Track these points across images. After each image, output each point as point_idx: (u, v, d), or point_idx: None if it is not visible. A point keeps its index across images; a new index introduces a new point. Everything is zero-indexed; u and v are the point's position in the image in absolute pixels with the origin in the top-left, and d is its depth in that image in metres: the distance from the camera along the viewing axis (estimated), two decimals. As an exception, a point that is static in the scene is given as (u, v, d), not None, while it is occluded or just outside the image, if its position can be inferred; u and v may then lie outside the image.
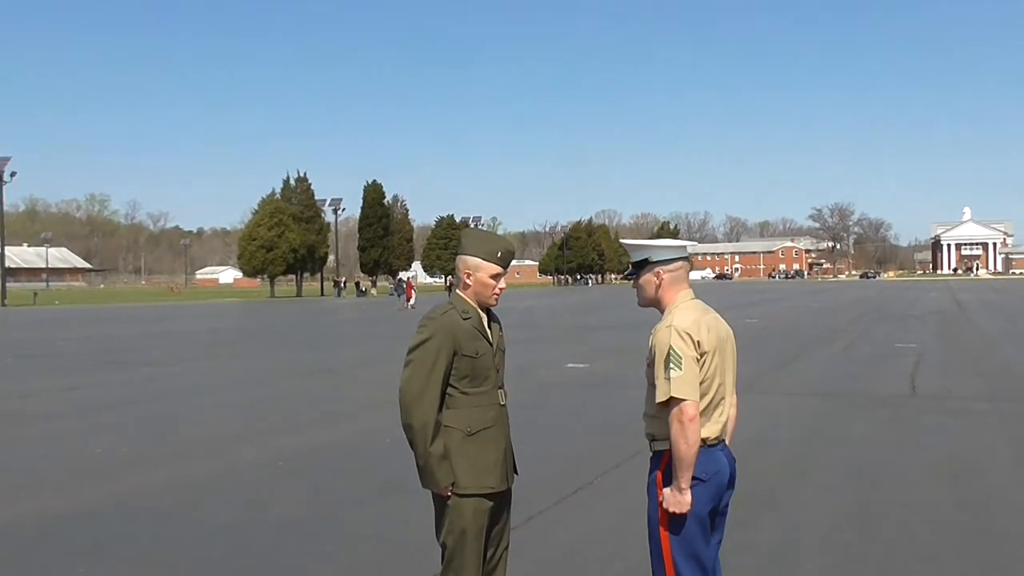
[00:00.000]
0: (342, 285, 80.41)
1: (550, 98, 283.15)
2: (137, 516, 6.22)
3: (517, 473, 3.62)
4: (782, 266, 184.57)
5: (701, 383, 3.08)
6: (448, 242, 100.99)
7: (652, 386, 3.15)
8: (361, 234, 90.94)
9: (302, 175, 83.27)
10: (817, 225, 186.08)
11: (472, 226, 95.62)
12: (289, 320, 36.99)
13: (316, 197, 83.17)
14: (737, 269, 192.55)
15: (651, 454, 3.25)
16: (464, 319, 3.38)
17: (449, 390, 3.35)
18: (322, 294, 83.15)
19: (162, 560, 5.27)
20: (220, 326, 32.81)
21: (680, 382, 3.01)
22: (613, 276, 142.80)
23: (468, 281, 3.43)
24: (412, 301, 45.35)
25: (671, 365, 3.03)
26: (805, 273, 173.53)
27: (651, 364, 3.15)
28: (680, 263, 3.27)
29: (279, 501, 6.59)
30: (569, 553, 5.25)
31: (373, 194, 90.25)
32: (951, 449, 8.21)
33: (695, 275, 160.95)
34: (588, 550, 5.29)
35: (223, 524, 5.98)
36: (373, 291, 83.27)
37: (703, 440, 3.09)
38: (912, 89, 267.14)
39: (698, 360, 3.07)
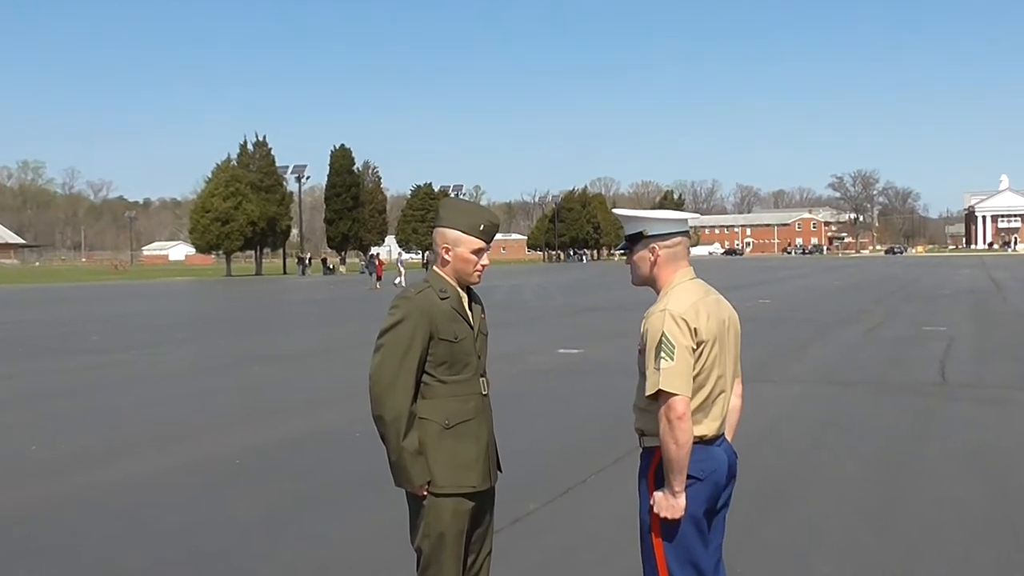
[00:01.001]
0: (307, 262, 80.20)
1: (540, 54, 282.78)
2: (78, 518, 6.22)
3: (501, 470, 3.65)
4: (798, 240, 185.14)
5: (697, 375, 3.08)
6: (425, 214, 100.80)
7: (642, 376, 3.14)
8: (328, 205, 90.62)
9: (261, 139, 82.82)
10: (838, 195, 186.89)
11: (452, 196, 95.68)
12: (247, 301, 36.92)
13: (277, 164, 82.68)
14: (748, 244, 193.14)
15: (640, 451, 3.25)
16: (442, 299, 3.39)
17: (425, 378, 3.36)
18: (284, 272, 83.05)
19: (108, 566, 5.28)
20: (170, 308, 32.72)
21: (671, 374, 3.00)
22: (611, 251, 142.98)
23: (447, 257, 3.44)
24: (398, 279, 45.25)
25: (662, 354, 3.01)
26: (824, 248, 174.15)
27: (642, 351, 3.14)
28: (679, 238, 3.26)
29: (236, 502, 6.60)
30: (559, 559, 5.28)
31: (341, 160, 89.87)
32: (983, 441, 8.30)
33: (701, 250, 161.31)
34: (580, 556, 5.32)
35: (174, 529, 5.99)
36: (341, 268, 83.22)
37: (698, 438, 3.09)
38: (942, 44, 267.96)
39: (694, 350, 3.06)
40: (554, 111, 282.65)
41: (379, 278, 46.76)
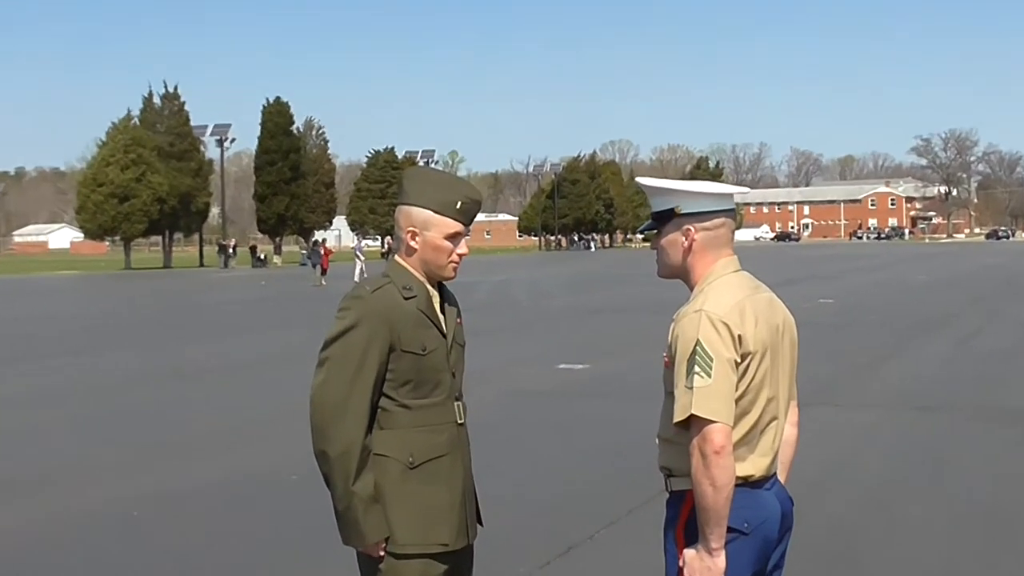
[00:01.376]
0: (231, 251, 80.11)
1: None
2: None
3: (481, 524, 3.66)
4: (872, 221, 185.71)
5: (741, 397, 3.07)
6: (386, 188, 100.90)
7: (670, 396, 3.15)
8: (259, 177, 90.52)
9: (171, 90, 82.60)
10: (924, 162, 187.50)
11: (421, 165, 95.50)
12: (151, 302, 36.87)
13: (192, 123, 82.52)
14: (806, 226, 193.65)
15: (667, 495, 3.25)
16: (406, 298, 3.41)
17: (383, 402, 3.38)
18: (201, 264, 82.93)
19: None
20: (53, 311, 32.62)
21: (707, 395, 3.00)
22: (627, 235, 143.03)
23: (413, 243, 3.46)
24: (358, 271, 45.07)
25: (696, 369, 3.02)
26: (906, 231, 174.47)
27: (670, 364, 3.16)
28: (722, 218, 3.27)
29: (131, 568, 6.55)
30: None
31: (276, 118, 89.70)
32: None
33: (745, 234, 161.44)
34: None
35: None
36: (276, 259, 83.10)
37: (742, 479, 3.09)
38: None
39: (738, 364, 3.06)
40: (553, 54, 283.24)
41: (325, 271, 46.74)
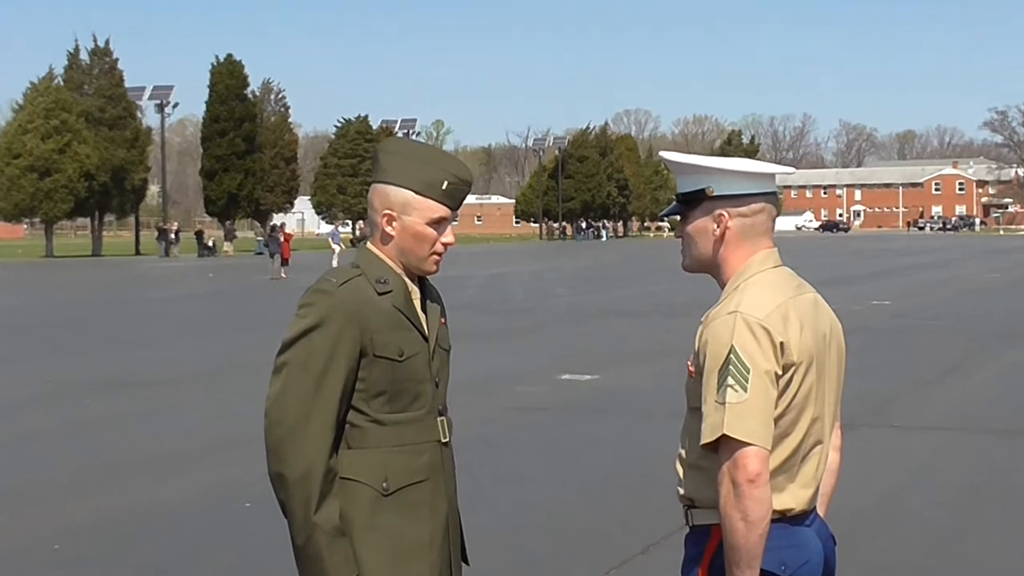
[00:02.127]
0: (173, 237, 79.86)
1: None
2: None
3: (467, 562, 3.67)
4: (936, 209, 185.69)
5: (781, 417, 3.07)
6: (359, 163, 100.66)
7: (694, 411, 3.15)
8: (207, 149, 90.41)
9: (102, 44, 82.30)
10: (999, 139, 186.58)
11: (400, 137, 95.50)
12: (78, 296, 36.77)
13: (128, 85, 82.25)
14: (858, 214, 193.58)
15: (688, 530, 3.26)
16: (380, 293, 3.42)
17: (352, 417, 3.39)
18: (138, 252, 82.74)
19: None
20: (-44, 307, 32.49)
21: (742, 412, 2.99)
22: (645, 222, 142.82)
23: (389, 229, 3.47)
24: (334, 260, 44.94)
25: (730, 382, 3.02)
26: (977, 221, 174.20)
27: (697, 374, 3.16)
28: (761, 203, 3.28)
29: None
30: None
31: (227, 79, 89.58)
32: None
33: (784, 222, 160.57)
34: None
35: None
36: (227, 247, 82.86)
37: (780, 513, 3.09)
38: None
39: (778, 376, 3.06)
40: (557, 7, 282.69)
41: (285, 261, 46.59)
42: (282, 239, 47.96)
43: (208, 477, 9.98)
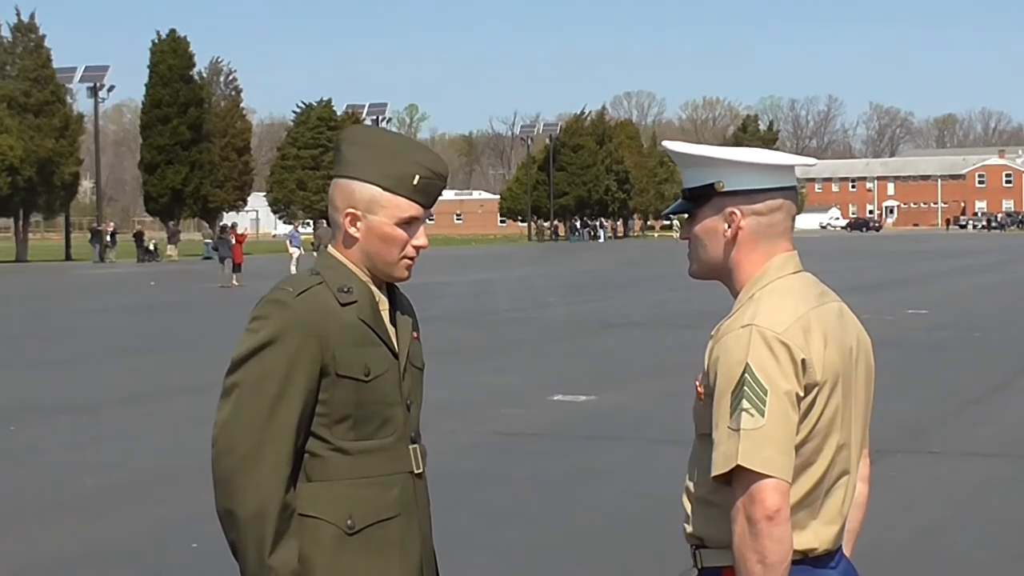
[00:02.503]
0: (109, 239, 79.71)
1: None
2: None
3: (444, 611, 3.66)
4: (980, 204, 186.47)
5: (803, 444, 3.06)
6: (321, 154, 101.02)
7: (704, 438, 3.13)
8: (147, 139, 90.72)
9: (26, 19, 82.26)
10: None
11: (367, 124, 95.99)
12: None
13: (56, 65, 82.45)
14: (890, 209, 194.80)
15: (696, 572, 3.24)
16: (343, 304, 3.41)
17: (312, 445, 3.38)
18: (69, 256, 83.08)
19: None
20: None
21: (758, 440, 2.97)
22: (647, 221, 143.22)
23: (354, 231, 3.46)
24: (293, 266, 45.01)
25: (745, 404, 2.99)
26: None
27: (707, 396, 3.14)
28: (778, 199, 3.26)
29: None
30: None
31: (170, 59, 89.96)
32: None
33: (807, 220, 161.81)
34: None
35: None
36: (170, 251, 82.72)
37: (801, 554, 3.08)
38: None
39: (800, 398, 3.04)
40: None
41: (237, 266, 46.48)
42: (233, 241, 47.80)
43: (146, 515, 9.89)
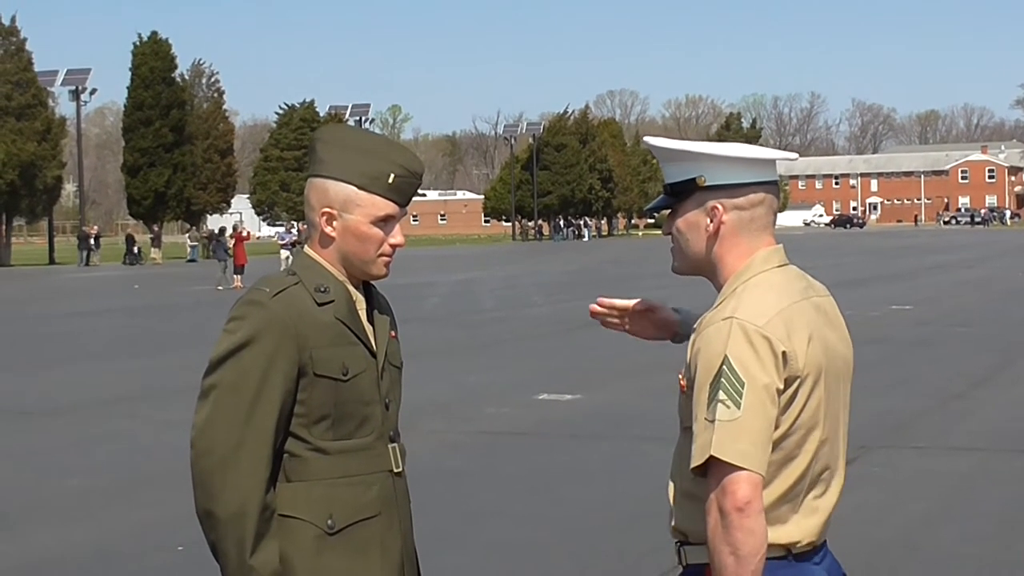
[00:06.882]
0: (93, 243, 79.48)
1: None
2: None
3: (427, 611, 3.69)
4: (963, 200, 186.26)
5: (785, 438, 3.08)
6: (304, 155, 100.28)
7: (687, 432, 3.14)
8: (129, 142, 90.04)
9: (7, 23, 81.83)
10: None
11: (348, 124, 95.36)
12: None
13: (38, 68, 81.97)
14: (874, 206, 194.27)
15: (681, 571, 3.24)
16: (320, 303, 3.43)
17: (291, 445, 3.40)
18: (52, 261, 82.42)
19: None
20: None
21: (732, 432, 2.98)
22: (631, 219, 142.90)
23: (329, 230, 3.49)
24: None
25: (721, 396, 3.01)
26: (1007, 214, 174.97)
27: (688, 389, 3.16)
28: (760, 193, 3.28)
29: None
30: None
31: (152, 61, 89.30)
32: None
33: (790, 217, 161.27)
34: None
35: None
36: (154, 254, 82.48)
37: (784, 548, 3.10)
38: None
39: (779, 391, 3.06)
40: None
41: (239, 268, 46.04)
42: (234, 241, 47.52)
43: (131, 518, 9.89)
